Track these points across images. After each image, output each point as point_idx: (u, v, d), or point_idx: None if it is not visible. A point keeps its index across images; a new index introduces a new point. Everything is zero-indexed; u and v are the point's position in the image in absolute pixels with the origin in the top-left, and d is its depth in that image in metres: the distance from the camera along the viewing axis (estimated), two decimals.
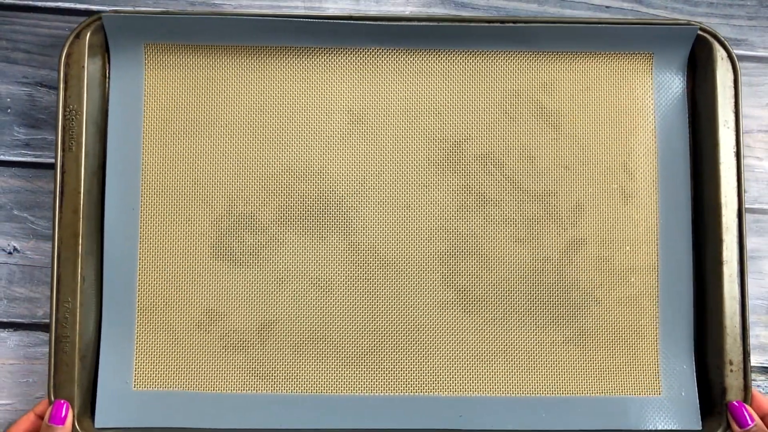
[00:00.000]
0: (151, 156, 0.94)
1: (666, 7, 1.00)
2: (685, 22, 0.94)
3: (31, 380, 0.94)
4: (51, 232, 0.93)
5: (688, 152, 0.96)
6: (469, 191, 0.94)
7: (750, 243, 0.96)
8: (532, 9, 0.99)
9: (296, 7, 0.99)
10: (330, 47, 0.95)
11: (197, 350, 0.93)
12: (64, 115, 0.90)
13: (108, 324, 0.92)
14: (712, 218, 0.93)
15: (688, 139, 0.96)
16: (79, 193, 0.90)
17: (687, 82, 0.97)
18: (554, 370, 0.93)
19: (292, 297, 0.93)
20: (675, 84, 0.96)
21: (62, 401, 0.87)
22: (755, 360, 0.96)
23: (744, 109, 0.95)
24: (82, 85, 0.91)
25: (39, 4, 0.97)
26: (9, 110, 0.96)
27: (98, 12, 0.92)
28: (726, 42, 0.94)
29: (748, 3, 1.00)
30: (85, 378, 0.90)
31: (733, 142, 0.93)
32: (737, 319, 0.91)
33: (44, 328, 0.95)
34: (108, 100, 0.94)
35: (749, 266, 0.94)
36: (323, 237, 0.94)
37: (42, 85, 0.97)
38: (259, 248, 0.93)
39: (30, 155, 0.96)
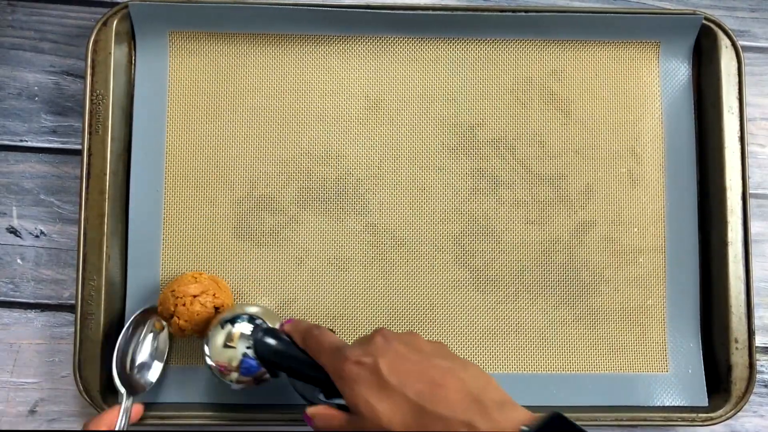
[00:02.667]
0: (175, 139, 0.96)
1: (671, 0, 1.02)
2: (691, 11, 0.96)
3: (56, 359, 0.96)
4: (77, 216, 0.95)
5: (694, 137, 0.98)
6: (482, 174, 0.97)
7: (753, 227, 0.97)
8: (542, 0, 1.01)
9: None
10: (347, 35, 0.97)
11: None
12: (91, 100, 0.93)
13: (132, 302, 0.94)
14: (717, 201, 0.95)
15: (693, 125, 0.98)
16: (105, 174, 0.92)
17: (692, 69, 0.99)
18: (564, 348, 0.95)
19: (311, 276, 0.95)
20: (681, 71, 0.99)
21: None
22: (759, 341, 0.98)
23: (747, 98, 0.97)
24: (108, 70, 0.93)
25: None
26: (36, 98, 0.99)
27: (123, 2, 0.94)
28: (730, 31, 0.96)
29: None
30: (110, 354, 0.92)
31: (738, 128, 0.95)
32: (742, 298, 0.93)
33: (70, 309, 0.96)
34: (133, 86, 0.96)
35: (752, 249, 0.96)
36: (341, 218, 0.96)
37: (68, 74, 0.99)
38: (279, 229, 0.95)
39: (57, 141, 0.98)
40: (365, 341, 0.78)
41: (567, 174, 0.97)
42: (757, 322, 0.97)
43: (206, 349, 0.86)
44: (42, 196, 0.97)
